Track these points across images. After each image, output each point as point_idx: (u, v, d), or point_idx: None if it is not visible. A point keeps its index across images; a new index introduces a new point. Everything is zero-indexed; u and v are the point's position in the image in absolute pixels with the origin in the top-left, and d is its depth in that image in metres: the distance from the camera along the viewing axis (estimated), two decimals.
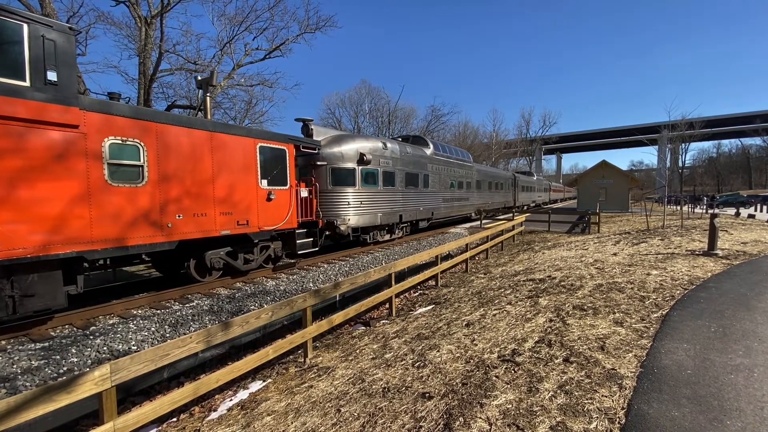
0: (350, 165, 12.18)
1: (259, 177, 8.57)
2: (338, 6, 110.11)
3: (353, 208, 12.17)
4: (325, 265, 10.61)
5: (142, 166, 6.54)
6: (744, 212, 26.11)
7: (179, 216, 7.03)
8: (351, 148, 12.26)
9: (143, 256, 8.00)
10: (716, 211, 20.03)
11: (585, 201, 32.03)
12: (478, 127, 60.96)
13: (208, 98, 9.18)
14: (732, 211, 27.14)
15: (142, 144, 6.53)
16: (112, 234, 6.10)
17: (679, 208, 28.54)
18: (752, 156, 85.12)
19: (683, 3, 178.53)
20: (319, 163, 11.74)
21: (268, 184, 8.80)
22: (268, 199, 8.75)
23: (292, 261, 10.41)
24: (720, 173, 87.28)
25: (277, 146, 9.06)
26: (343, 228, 11.80)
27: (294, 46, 22.38)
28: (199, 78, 9.54)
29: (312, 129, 11.87)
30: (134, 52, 17.94)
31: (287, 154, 9.35)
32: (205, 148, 7.50)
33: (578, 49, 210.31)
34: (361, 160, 12.34)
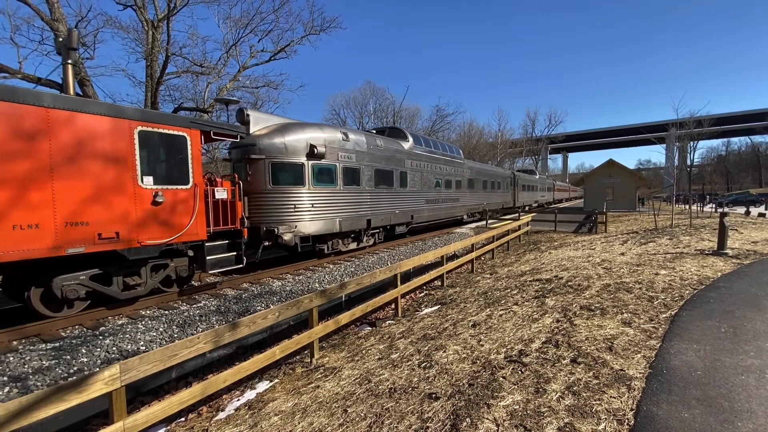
0: (297, 159, 10.05)
1: (139, 173, 6.40)
2: (343, 7, 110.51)
3: (302, 213, 10.11)
4: (331, 266, 10.63)
5: None
6: (754, 211, 25.75)
7: None
8: (298, 138, 10.11)
9: None
10: (726, 209, 19.75)
11: (592, 200, 31.83)
12: (483, 127, 60.80)
13: (69, 66, 6.83)
14: (742, 209, 26.77)
15: None
16: None
17: (687, 206, 28.22)
18: (762, 154, 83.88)
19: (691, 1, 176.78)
20: (254, 156, 9.53)
21: (156, 183, 6.63)
22: (155, 203, 6.56)
23: (212, 281, 8.46)
24: (729, 171, 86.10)
25: (170, 132, 6.88)
26: (287, 237, 9.67)
27: (298, 48, 22.43)
28: (60, 40, 7.17)
29: (249, 115, 9.88)
30: (141, 56, 18.14)
31: (188, 143, 7.13)
32: (36, 130, 5.42)
33: (583, 48, 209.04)
34: (312, 153, 10.18)
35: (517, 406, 3.06)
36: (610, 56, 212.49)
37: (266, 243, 9.69)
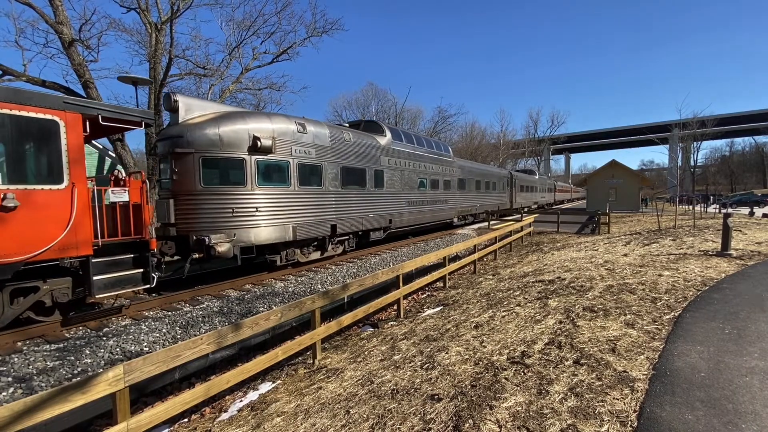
0: (236, 154, 8.46)
1: None
2: (344, 9, 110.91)
3: (243, 218, 8.53)
4: (333, 267, 10.65)
5: None
6: (758, 211, 25.61)
7: None
8: (236, 129, 8.50)
9: None
10: (729, 210, 19.67)
11: (594, 201, 31.73)
12: (485, 128, 60.88)
13: None
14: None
15: None
16: None
17: (691, 207, 28.10)
18: (766, 154, 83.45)
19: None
20: (181, 150, 7.97)
21: (5, 181, 5.05)
22: (3, 209, 4.91)
23: (119, 305, 6.86)
24: (733, 172, 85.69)
25: (31, 114, 5.18)
26: (223, 248, 7.98)
27: (301, 49, 22.51)
28: None
29: (177, 101, 8.29)
30: (145, 58, 18.25)
31: (62, 130, 5.45)
32: None
33: (585, 49, 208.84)
34: (256, 146, 8.57)
35: (520, 408, 3.05)
36: (611, 56, 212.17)
37: (196, 255, 8.16)
